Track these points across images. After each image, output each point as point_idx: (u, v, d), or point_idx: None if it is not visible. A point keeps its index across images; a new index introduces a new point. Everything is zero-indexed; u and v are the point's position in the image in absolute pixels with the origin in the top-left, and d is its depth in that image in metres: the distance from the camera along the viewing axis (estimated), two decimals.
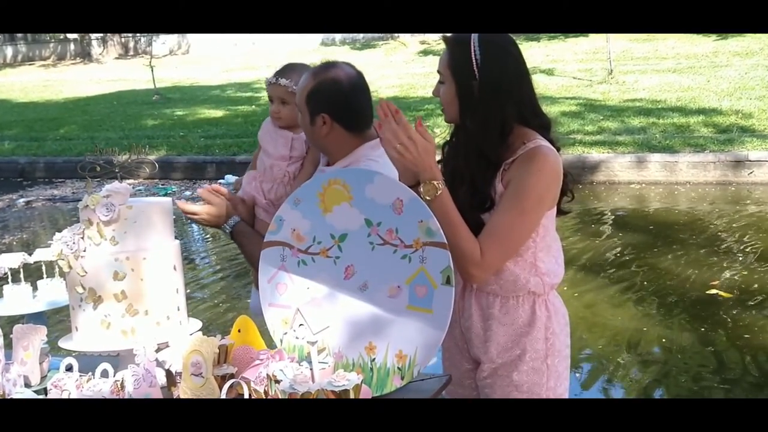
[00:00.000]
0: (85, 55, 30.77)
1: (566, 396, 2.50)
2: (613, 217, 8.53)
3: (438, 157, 2.31)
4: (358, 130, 2.66)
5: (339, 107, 2.61)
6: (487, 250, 2.23)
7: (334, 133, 2.63)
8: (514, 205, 2.24)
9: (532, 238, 2.32)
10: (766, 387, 4.52)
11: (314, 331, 2.26)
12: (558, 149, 2.35)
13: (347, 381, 1.95)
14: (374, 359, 2.20)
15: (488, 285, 2.37)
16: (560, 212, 2.44)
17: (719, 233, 7.58)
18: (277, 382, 1.99)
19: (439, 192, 2.18)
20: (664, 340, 5.21)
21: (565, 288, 6.00)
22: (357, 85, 2.65)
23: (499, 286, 2.36)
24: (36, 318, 2.67)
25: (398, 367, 2.16)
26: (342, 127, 2.63)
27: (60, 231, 2.33)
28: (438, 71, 2.38)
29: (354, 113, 2.65)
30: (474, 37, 2.28)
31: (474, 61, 2.27)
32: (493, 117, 2.27)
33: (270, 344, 2.35)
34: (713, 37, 18.35)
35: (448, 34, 2.36)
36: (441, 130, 2.74)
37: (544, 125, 2.36)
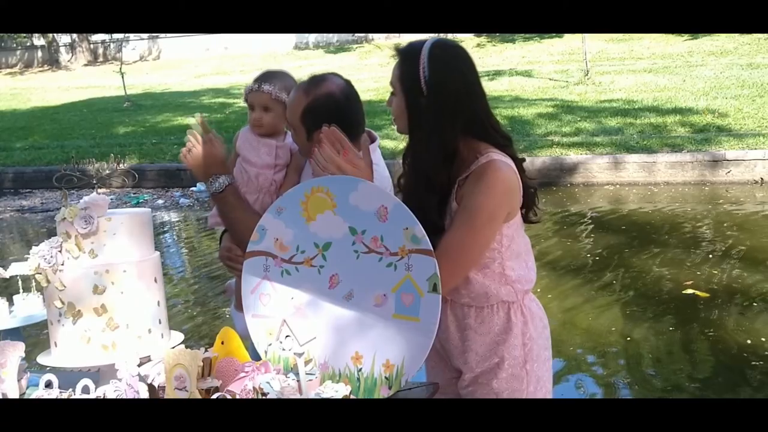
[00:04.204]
0: (53, 62, 30.47)
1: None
2: (590, 218, 8.55)
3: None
4: (355, 139, 2.58)
5: (336, 121, 2.51)
6: (440, 269, 2.13)
7: None
8: (465, 222, 2.22)
9: (497, 249, 2.30)
10: (740, 386, 4.53)
11: (301, 342, 2.22)
12: (521, 161, 2.33)
13: (335, 392, 1.94)
14: (361, 369, 2.17)
15: (461, 297, 2.35)
16: (528, 221, 2.41)
17: (697, 233, 7.63)
18: (264, 394, 1.96)
19: None
20: (631, 339, 5.22)
21: (539, 290, 6.01)
22: (350, 95, 2.60)
23: (471, 298, 2.34)
24: (12, 333, 2.62)
25: (386, 377, 2.13)
26: None
27: (29, 242, 2.29)
28: (390, 83, 2.35)
29: (350, 124, 2.56)
30: (424, 51, 2.25)
31: (422, 77, 2.24)
32: (436, 137, 2.25)
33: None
34: (685, 36, 18.55)
35: (400, 45, 2.33)
36: None
37: (499, 142, 2.31)
